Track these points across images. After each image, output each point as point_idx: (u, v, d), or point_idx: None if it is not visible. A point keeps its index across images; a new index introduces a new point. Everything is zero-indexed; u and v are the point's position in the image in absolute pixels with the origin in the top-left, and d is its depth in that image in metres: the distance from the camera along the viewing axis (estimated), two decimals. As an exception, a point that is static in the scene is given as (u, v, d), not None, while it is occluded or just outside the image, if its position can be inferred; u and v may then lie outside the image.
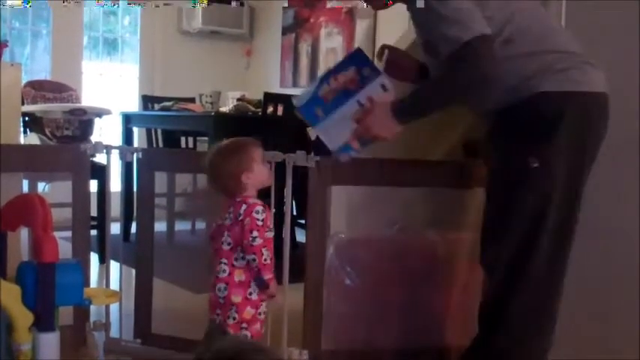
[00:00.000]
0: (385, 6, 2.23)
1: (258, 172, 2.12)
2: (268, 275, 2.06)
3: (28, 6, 4.51)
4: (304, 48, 6.03)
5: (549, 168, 1.98)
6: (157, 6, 5.63)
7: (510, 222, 2.04)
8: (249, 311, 2.06)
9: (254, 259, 2.04)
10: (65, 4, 4.83)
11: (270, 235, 2.09)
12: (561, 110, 1.97)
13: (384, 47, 2.33)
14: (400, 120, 2.06)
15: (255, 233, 2.03)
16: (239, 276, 2.06)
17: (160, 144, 5.09)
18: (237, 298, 2.05)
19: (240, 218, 2.05)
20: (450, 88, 2.01)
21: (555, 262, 2.06)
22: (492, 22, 1.97)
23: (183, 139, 5.29)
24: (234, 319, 2.05)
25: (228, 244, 2.07)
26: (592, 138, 2.03)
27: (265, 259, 2.04)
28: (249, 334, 2.05)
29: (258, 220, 2.04)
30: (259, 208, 2.06)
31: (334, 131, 2.14)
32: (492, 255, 2.09)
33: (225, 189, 2.13)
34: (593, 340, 2.41)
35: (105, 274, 2.75)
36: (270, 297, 2.13)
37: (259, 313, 2.10)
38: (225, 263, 2.07)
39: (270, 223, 2.10)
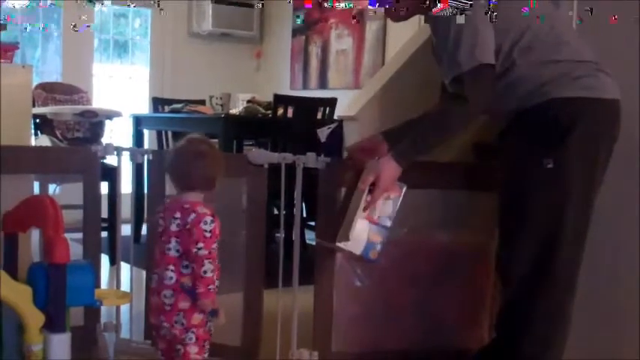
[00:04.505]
0: (404, 18, 2.25)
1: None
2: (201, 289, 1.97)
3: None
4: (314, 50, 6.03)
5: (563, 169, 2.00)
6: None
7: (528, 223, 2.05)
8: (196, 317, 2.01)
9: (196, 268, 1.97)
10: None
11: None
12: (574, 114, 2.01)
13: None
14: (403, 164, 2.10)
15: (200, 244, 1.96)
16: (187, 283, 2.00)
17: (171, 146, 5.09)
18: (184, 304, 2.00)
19: (188, 227, 1.99)
20: (449, 123, 2.09)
21: (573, 263, 2.08)
22: (512, 30, 2.05)
23: (193, 140, 5.29)
24: (182, 324, 2.01)
25: (177, 250, 2.01)
26: (604, 143, 2.06)
27: (205, 272, 1.96)
28: (194, 337, 2.01)
29: (205, 231, 1.97)
30: (208, 218, 1.99)
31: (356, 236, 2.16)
32: (510, 256, 2.10)
33: (187, 184, 2.07)
34: (594, 340, 2.41)
35: (115, 275, 2.76)
36: (202, 311, 2.01)
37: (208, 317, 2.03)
38: (172, 270, 2.01)
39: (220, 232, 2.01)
